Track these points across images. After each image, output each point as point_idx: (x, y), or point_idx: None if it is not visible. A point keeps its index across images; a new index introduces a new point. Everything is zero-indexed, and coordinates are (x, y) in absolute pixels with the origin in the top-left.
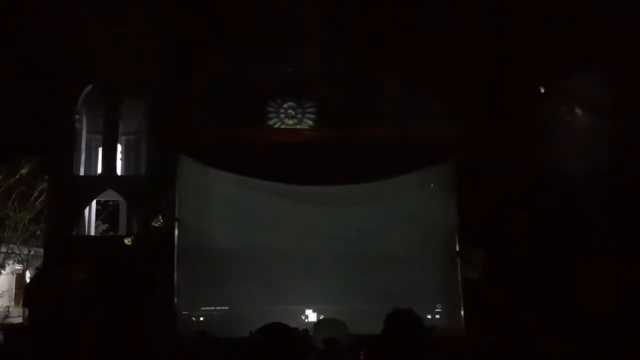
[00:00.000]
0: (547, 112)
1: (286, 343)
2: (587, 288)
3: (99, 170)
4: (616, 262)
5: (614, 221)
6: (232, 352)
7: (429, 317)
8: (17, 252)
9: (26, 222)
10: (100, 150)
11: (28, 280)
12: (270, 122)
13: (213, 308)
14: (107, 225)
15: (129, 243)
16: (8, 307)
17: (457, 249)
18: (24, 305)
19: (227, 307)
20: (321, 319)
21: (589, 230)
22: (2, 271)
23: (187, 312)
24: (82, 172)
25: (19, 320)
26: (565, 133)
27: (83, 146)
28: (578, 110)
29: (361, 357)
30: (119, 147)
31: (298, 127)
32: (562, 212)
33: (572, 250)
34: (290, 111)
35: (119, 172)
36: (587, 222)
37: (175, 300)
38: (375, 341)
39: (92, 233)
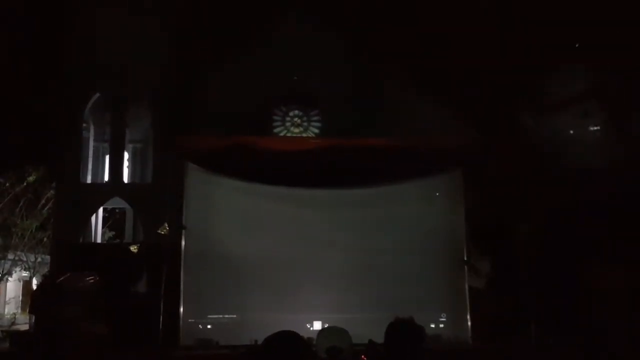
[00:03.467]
0: (555, 123)
1: (296, 351)
2: (596, 296)
3: (106, 178)
4: (625, 271)
5: (622, 230)
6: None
7: (433, 326)
8: (24, 259)
9: (33, 230)
10: (107, 158)
11: (35, 288)
12: (276, 130)
13: (221, 316)
14: (113, 232)
15: (135, 250)
16: (15, 314)
17: (465, 257)
18: (30, 312)
19: (235, 315)
20: (324, 328)
21: (597, 239)
22: (9, 278)
23: (193, 320)
24: (89, 180)
25: (26, 327)
26: (572, 145)
27: (90, 154)
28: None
29: (362, 358)
30: (126, 155)
31: (304, 135)
32: (571, 221)
33: (580, 259)
34: (296, 119)
35: (125, 179)
36: (595, 231)
37: (181, 307)
38: (376, 349)
39: (99, 240)
